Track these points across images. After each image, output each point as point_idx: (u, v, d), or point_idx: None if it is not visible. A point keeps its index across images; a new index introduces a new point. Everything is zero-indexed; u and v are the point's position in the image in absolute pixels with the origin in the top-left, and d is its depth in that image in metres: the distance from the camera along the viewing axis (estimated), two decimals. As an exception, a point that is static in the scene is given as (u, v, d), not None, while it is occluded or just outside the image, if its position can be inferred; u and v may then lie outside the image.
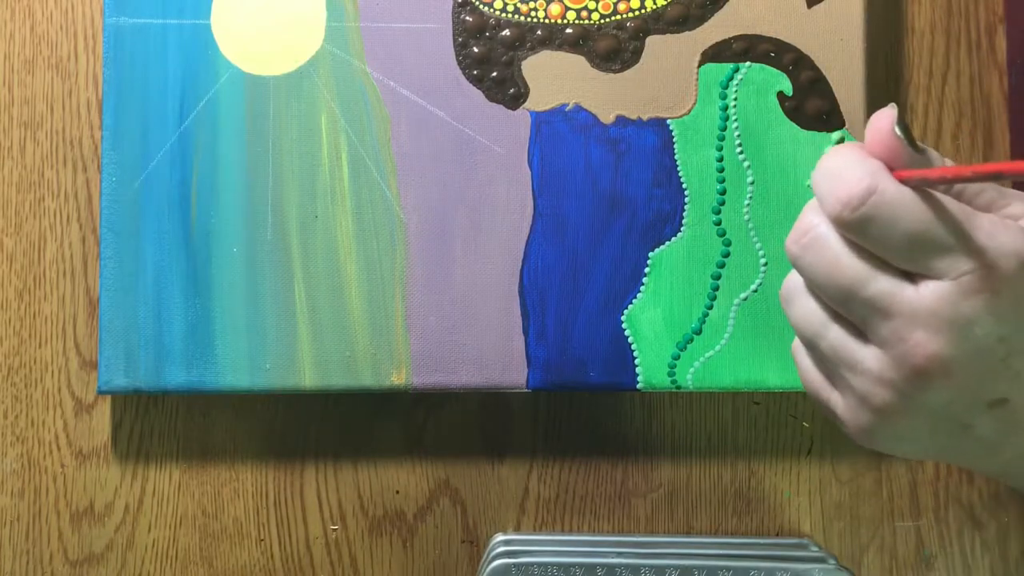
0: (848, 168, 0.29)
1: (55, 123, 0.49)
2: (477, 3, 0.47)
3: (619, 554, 0.46)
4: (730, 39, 0.47)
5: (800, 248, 0.31)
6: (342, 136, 0.47)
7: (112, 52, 0.47)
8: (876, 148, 0.30)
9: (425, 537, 0.49)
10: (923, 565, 0.49)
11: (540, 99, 0.47)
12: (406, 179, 0.47)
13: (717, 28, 0.47)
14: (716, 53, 0.47)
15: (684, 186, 0.47)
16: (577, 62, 0.47)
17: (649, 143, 0.47)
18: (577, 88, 0.47)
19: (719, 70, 0.47)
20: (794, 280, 0.33)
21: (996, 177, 0.27)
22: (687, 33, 0.47)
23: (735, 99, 0.47)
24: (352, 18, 0.47)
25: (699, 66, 0.47)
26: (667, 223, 0.47)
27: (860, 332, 0.30)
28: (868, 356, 0.30)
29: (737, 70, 0.47)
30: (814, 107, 0.47)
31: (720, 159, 0.47)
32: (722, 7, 0.47)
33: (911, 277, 0.29)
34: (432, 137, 0.47)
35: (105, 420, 0.49)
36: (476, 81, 0.47)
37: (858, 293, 0.29)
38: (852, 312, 0.30)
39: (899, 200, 0.28)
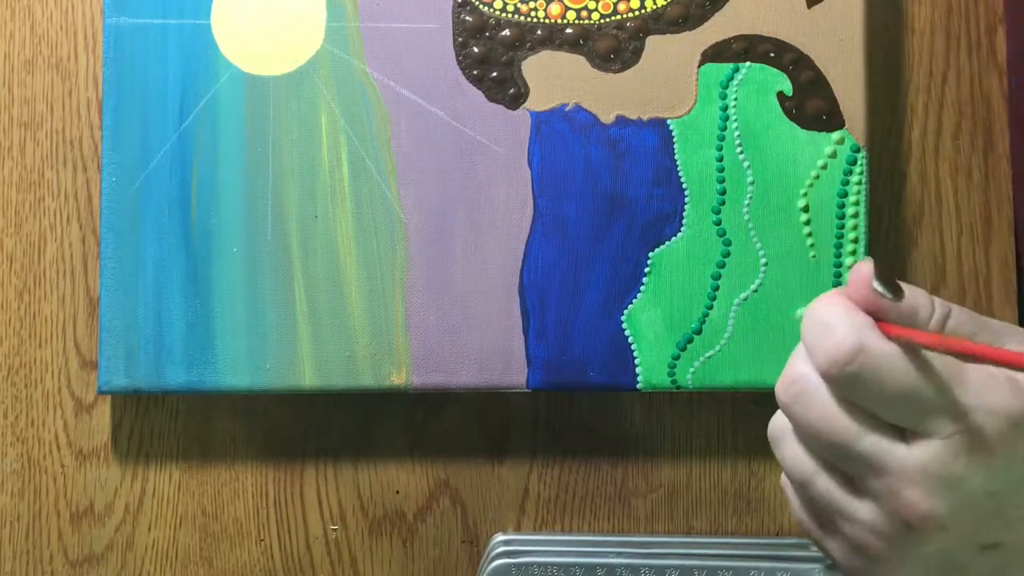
0: (836, 322, 0.30)
1: (55, 123, 0.49)
2: (477, 3, 0.47)
3: (619, 554, 0.46)
4: (730, 39, 0.47)
5: (790, 398, 0.31)
6: (342, 136, 0.47)
7: (112, 52, 0.47)
8: (858, 299, 0.30)
9: (425, 537, 0.49)
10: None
11: (540, 99, 0.47)
12: (406, 179, 0.47)
13: (717, 28, 0.47)
14: (716, 53, 0.47)
15: (684, 186, 0.47)
16: (577, 62, 0.47)
17: (649, 143, 0.47)
18: (577, 88, 0.47)
19: (719, 70, 0.47)
20: (782, 421, 0.33)
21: (975, 359, 0.28)
22: (687, 33, 0.47)
23: (735, 99, 0.47)
24: (352, 18, 0.47)
25: (699, 66, 0.47)
26: (667, 223, 0.47)
27: (851, 482, 0.31)
28: (860, 508, 0.30)
29: (737, 70, 0.47)
30: (814, 107, 0.47)
31: (720, 159, 0.47)
32: (722, 7, 0.47)
33: (902, 432, 0.29)
34: (432, 137, 0.47)
35: (105, 420, 0.49)
36: (476, 81, 0.47)
37: (849, 448, 0.30)
38: (843, 464, 0.30)
39: (886, 360, 0.29)
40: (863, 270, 0.31)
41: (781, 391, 0.32)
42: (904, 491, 0.29)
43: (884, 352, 0.29)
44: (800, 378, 0.31)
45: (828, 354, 0.29)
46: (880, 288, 0.30)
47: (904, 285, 0.31)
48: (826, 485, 0.31)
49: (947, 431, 0.29)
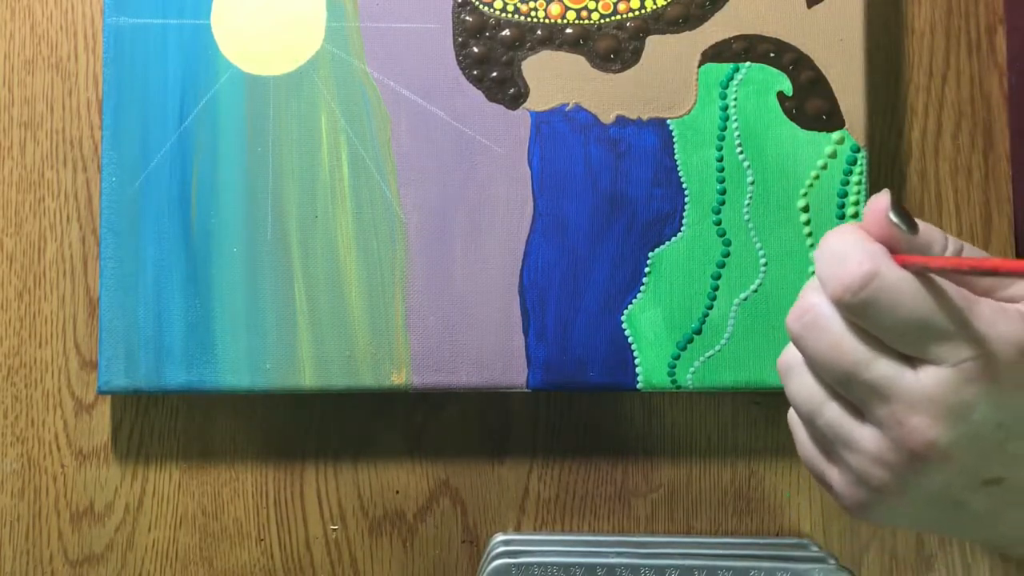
0: (850, 251, 0.30)
1: (55, 123, 0.49)
2: (477, 3, 0.47)
3: (619, 554, 0.46)
4: (730, 39, 0.47)
5: (801, 327, 0.31)
6: (342, 136, 0.47)
7: (112, 52, 0.47)
8: (874, 231, 0.31)
9: (425, 537, 0.49)
10: (923, 565, 0.49)
11: (540, 99, 0.47)
12: (406, 179, 0.47)
13: (717, 28, 0.47)
14: (716, 53, 0.47)
15: (684, 186, 0.47)
16: (577, 62, 0.47)
17: (649, 143, 0.47)
18: (577, 88, 0.47)
19: (719, 70, 0.47)
20: (792, 354, 0.33)
21: (992, 273, 0.28)
22: (687, 33, 0.47)
23: (735, 99, 0.47)
24: (352, 18, 0.47)
25: (699, 66, 0.47)
26: (667, 223, 0.47)
27: (858, 411, 0.31)
28: (866, 436, 0.30)
29: (737, 70, 0.47)
30: (814, 107, 0.47)
31: (720, 159, 0.47)
32: (722, 7, 0.47)
33: (911, 361, 0.29)
34: (432, 137, 0.47)
35: (105, 420, 0.49)
36: (476, 81, 0.47)
37: (858, 376, 0.30)
38: (851, 393, 0.30)
39: (900, 286, 0.29)
40: (880, 202, 0.31)
41: (792, 321, 0.31)
42: (910, 418, 0.29)
43: (898, 278, 0.29)
44: (812, 307, 0.31)
45: (841, 281, 0.29)
46: (896, 220, 0.30)
47: (918, 220, 0.31)
48: (833, 413, 0.31)
49: (956, 358, 0.28)
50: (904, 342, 0.29)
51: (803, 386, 0.32)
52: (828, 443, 0.32)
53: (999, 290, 0.31)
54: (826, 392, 0.31)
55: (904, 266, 0.29)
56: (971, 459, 0.29)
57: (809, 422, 0.32)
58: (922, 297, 0.29)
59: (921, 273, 0.29)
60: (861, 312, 0.29)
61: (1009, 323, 0.29)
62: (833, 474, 0.32)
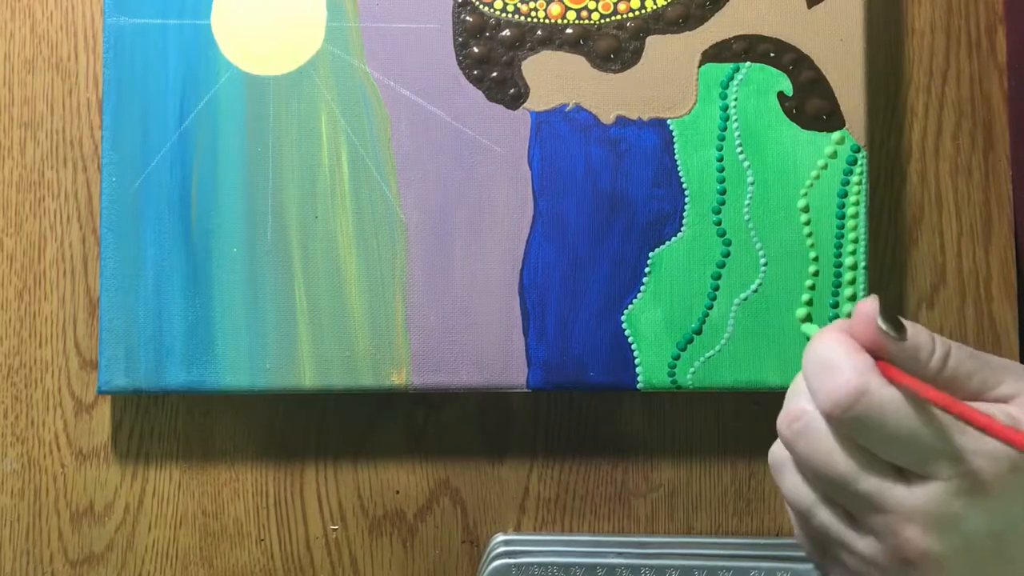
0: (839, 363, 0.30)
1: (55, 123, 0.49)
2: (477, 3, 0.47)
3: (619, 554, 0.46)
4: (730, 39, 0.47)
5: (792, 434, 0.31)
6: (342, 136, 0.47)
7: (112, 52, 0.47)
8: (861, 337, 0.31)
9: (425, 537, 0.49)
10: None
11: (540, 99, 0.47)
12: (406, 179, 0.47)
13: (717, 28, 0.47)
14: (716, 53, 0.47)
15: (684, 186, 0.47)
16: (577, 62, 0.47)
17: (649, 143, 0.47)
18: (577, 88, 0.47)
19: (719, 70, 0.47)
20: (782, 452, 0.33)
21: (978, 429, 0.28)
22: (687, 33, 0.47)
23: (735, 99, 0.47)
24: (352, 18, 0.47)
25: (699, 66, 0.47)
26: (667, 223, 0.47)
27: (851, 516, 0.31)
28: (860, 541, 0.31)
29: (737, 70, 0.47)
30: (814, 107, 0.47)
31: (720, 159, 0.47)
32: (722, 7, 0.47)
33: (902, 472, 0.30)
34: (432, 137, 0.47)
35: (105, 420, 0.49)
36: (476, 81, 0.47)
37: (849, 486, 0.30)
38: (844, 500, 0.31)
39: (888, 404, 0.29)
40: (867, 308, 0.31)
41: (783, 426, 0.32)
42: (904, 529, 0.29)
43: (886, 397, 0.29)
44: (802, 415, 0.31)
45: (830, 396, 0.30)
46: (885, 327, 0.30)
47: (906, 323, 0.31)
48: (827, 517, 0.32)
49: (947, 474, 0.29)
50: (894, 456, 0.30)
51: (796, 486, 0.33)
52: (823, 540, 0.33)
53: (990, 390, 0.31)
54: (818, 495, 0.32)
55: (892, 382, 0.29)
56: (965, 566, 0.30)
57: (803, 520, 0.33)
58: (909, 415, 0.29)
59: (910, 392, 0.29)
60: (850, 427, 0.30)
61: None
62: (829, 565, 0.33)
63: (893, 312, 0.31)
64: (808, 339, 0.44)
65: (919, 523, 0.29)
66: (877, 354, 0.31)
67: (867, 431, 0.29)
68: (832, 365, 0.30)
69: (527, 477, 0.49)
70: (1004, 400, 0.31)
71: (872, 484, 0.30)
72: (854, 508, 0.31)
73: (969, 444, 0.29)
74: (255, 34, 0.47)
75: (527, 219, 0.47)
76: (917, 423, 0.29)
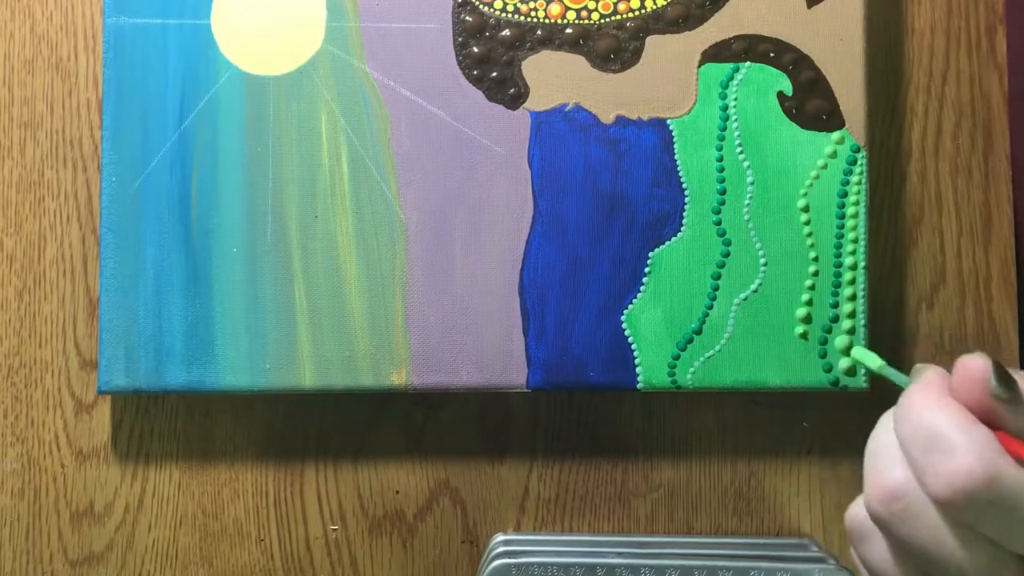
0: (954, 440, 0.26)
1: (55, 123, 0.49)
2: (477, 3, 0.47)
3: (619, 554, 0.46)
4: (730, 39, 0.47)
5: (890, 515, 0.27)
6: (342, 136, 0.47)
7: (112, 52, 0.47)
8: (967, 401, 0.27)
9: (425, 537, 0.49)
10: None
11: (540, 99, 0.47)
12: (406, 179, 0.47)
13: (717, 28, 0.47)
14: (716, 53, 0.47)
15: (684, 186, 0.47)
16: (577, 62, 0.47)
17: (649, 143, 0.47)
18: (577, 88, 0.47)
19: (719, 70, 0.47)
20: (868, 524, 0.29)
21: None
22: (687, 33, 0.47)
23: (735, 99, 0.47)
24: (352, 18, 0.47)
25: (699, 66, 0.47)
26: (667, 223, 0.47)
27: None
28: None
29: (737, 70, 0.47)
30: (814, 107, 0.47)
31: (720, 159, 0.47)
32: (722, 7, 0.47)
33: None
34: (432, 137, 0.47)
35: (105, 420, 0.49)
36: (476, 81, 0.47)
37: (964, 574, 0.26)
38: None
39: (1021, 489, 0.25)
40: (977, 368, 0.27)
41: (878, 503, 0.27)
42: None
43: (1018, 480, 0.25)
44: (904, 494, 0.27)
45: (950, 481, 0.25)
46: (1001, 393, 0.26)
47: (1017, 375, 0.27)
48: None
49: None
50: (1020, 546, 0.26)
51: (883, 561, 0.29)
52: None
53: None
54: (913, 568, 0.28)
55: (1021, 461, 0.25)
56: None
57: None
58: None
59: None
60: (970, 516, 0.26)
61: None
62: None
63: (1006, 370, 0.27)
64: (856, 362, 0.42)
65: None
66: (991, 422, 0.26)
67: (993, 520, 0.25)
68: (947, 440, 0.26)
69: (527, 477, 0.49)
70: None
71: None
72: None
73: None
74: (255, 34, 0.47)
75: (527, 219, 0.47)
76: None
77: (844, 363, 0.46)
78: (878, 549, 0.29)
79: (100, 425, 0.49)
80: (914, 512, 0.27)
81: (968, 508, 0.25)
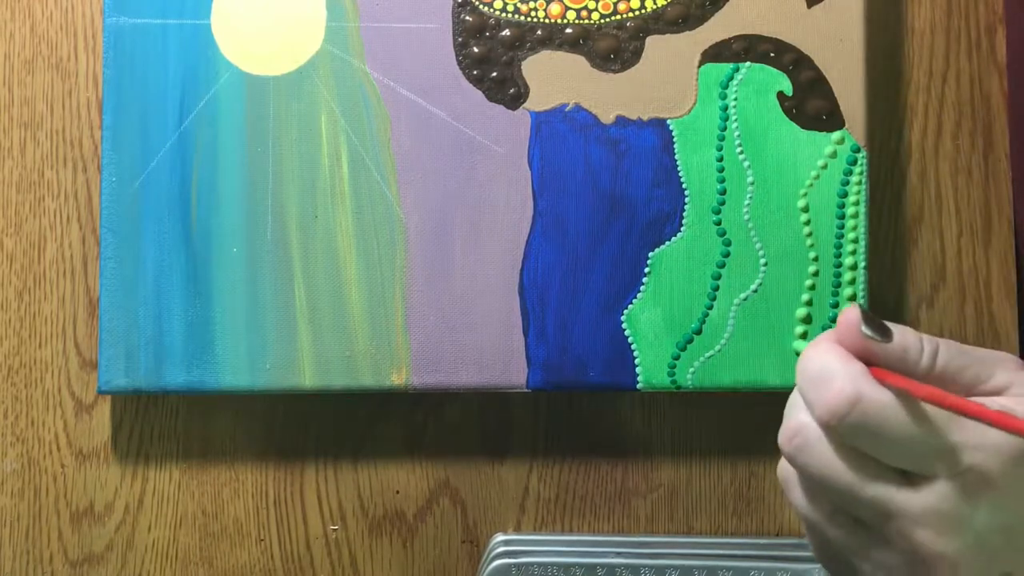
0: (830, 372, 0.30)
1: (55, 123, 0.49)
2: (477, 3, 0.47)
3: (619, 554, 0.46)
4: (730, 39, 0.47)
5: (793, 449, 0.31)
6: (342, 136, 0.47)
7: (112, 52, 0.47)
8: (850, 345, 0.31)
9: (425, 537, 0.49)
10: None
11: (540, 99, 0.47)
12: (406, 179, 0.47)
13: (717, 28, 0.47)
14: (716, 53, 0.47)
15: (684, 186, 0.47)
16: (577, 62, 0.47)
17: (649, 143, 0.47)
18: (577, 88, 0.47)
19: (719, 70, 0.47)
20: (788, 468, 0.33)
21: (973, 418, 0.28)
22: (687, 33, 0.47)
23: (735, 99, 0.47)
24: (352, 18, 0.47)
25: (699, 66, 0.47)
26: (667, 223, 0.47)
27: (862, 523, 0.31)
28: (873, 550, 0.31)
29: (737, 70, 0.47)
30: (814, 107, 0.47)
31: (720, 159, 0.47)
32: (722, 7, 0.47)
33: (907, 474, 0.30)
34: (432, 137, 0.47)
35: (105, 420, 0.49)
36: (476, 81, 0.47)
37: (855, 496, 0.30)
38: (853, 510, 0.31)
39: (884, 407, 0.29)
40: (851, 315, 0.31)
41: (784, 442, 0.32)
42: (915, 533, 0.29)
43: (881, 400, 0.29)
44: (801, 429, 0.31)
45: (826, 405, 0.30)
46: (869, 332, 0.30)
47: (891, 325, 0.31)
48: (838, 529, 0.32)
49: (950, 472, 0.29)
50: (896, 460, 0.30)
51: (804, 501, 0.32)
52: (837, 551, 0.32)
53: (983, 383, 0.31)
54: (827, 507, 0.32)
55: (885, 384, 0.29)
56: (980, 562, 0.29)
57: (815, 533, 0.33)
58: (905, 417, 0.29)
59: (904, 394, 0.29)
60: (848, 435, 0.30)
61: (997, 431, 0.29)
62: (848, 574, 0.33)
63: (876, 317, 0.31)
64: (798, 355, 0.44)
65: (929, 525, 0.29)
66: (867, 360, 0.31)
67: (865, 437, 0.29)
68: (825, 375, 0.30)
69: (527, 477, 0.49)
70: (998, 392, 0.31)
71: (877, 491, 0.30)
72: (864, 517, 0.31)
73: (969, 439, 0.29)
74: (255, 34, 0.47)
75: (527, 219, 0.47)
76: (914, 423, 0.29)
77: None
78: (797, 493, 0.33)
79: (100, 425, 0.49)
80: (811, 444, 0.30)
81: (844, 428, 0.29)
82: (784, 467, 0.33)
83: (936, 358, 0.31)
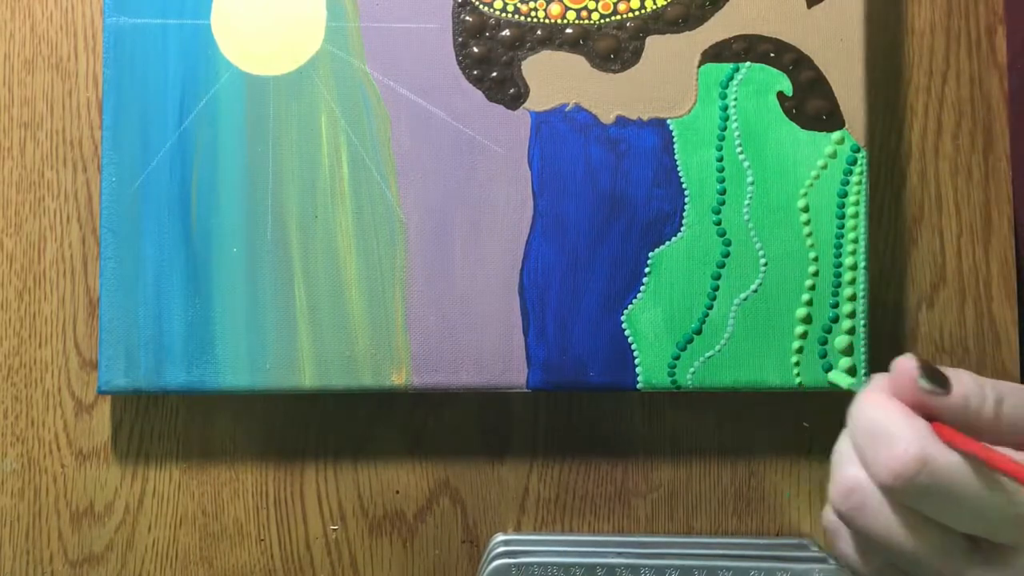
0: (892, 430, 0.28)
1: (55, 123, 0.49)
2: (477, 3, 0.47)
3: (619, 554, 0.46)
4: (730, 39, 0.47)
5: (850, 509, 0.29)
6: (342, 136, 0.47)
7: (112, 52, 0.47)
8: (906, 396, 0.29)
9: (425, 537, 0.49)
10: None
11: (540, 99, 0.47)
12: (406, 179, 0.47)
13: (717, 28, 0.47)
14: (716, 53, 0.47)
15: (684, 186, 0.47)
16: (577, 62, 0.47)
17: (649, 143, 0.47)
18: (577, 88, 0.47)
19: (719, 70, 0.47)
20: (837, 521, 0.31)
21: None
22: (687, 33, 0.47)
23: (735, 99, 0.47)
24: (352, 18, 0.47)
25: (699, 66, 0.47)
26: (667, 223, 0.47)
27: None
28: None
29: (737, 70, 0.47)
30: (814, 107, 0.47)
31: (720, 159, 0.47)
32: (722, 7, 0.47)
33: (976, 542, 0.28)
34: (432, 137, 0.47)
35: (105, 420, 0.49)
36: (476, 81, 0.47)
37: (921, 563, 0.28)
38: (914, 570, 0.29)
39: (953, 471, 0.27)
40: (907, 366, 0.29)
41: (838, 500, 0.30)
42: None
43: (950, 463, 0.27)
44: (858, 487, 0.29)
45: (889, 468, 0.28)
46: (928, 386, 0.29)
47: (948, 371, 0.29)
48: None
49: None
50: (967, 526, 0.28)
51: (852, 554, 0.31)
52: None
53: None
54: (879, 562, 0.30)
55: (952, 446, 0.27)
56: None
57: None
58: (978, 480, 0.27)
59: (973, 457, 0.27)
60: (913, 500, 0.28)
61: None
62: None
63: (933, 365, 0.29)
64: (833, 385, 0.43)
65: None
66: (927, 414, 0.29)
67: (932, 502, 0.27)
68: (886, 433, 0.28)
69: (527, 477, 0.49)
70: None
71: (947, 563, 0.28)
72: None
73: None
74: (255, 34, 0.47)
75: (527, 219, 0.47)
76: (987, 488, 0.27)
77: (844, 363, 0.46)
78: (846, 547, 0.31)
79: (100, 425, 0.49)
80: (868, 504, 0.29)
81: (909, 492, 0.28)
82: (832, 518, 0.31)
83: (1002, 406, 0.29)
